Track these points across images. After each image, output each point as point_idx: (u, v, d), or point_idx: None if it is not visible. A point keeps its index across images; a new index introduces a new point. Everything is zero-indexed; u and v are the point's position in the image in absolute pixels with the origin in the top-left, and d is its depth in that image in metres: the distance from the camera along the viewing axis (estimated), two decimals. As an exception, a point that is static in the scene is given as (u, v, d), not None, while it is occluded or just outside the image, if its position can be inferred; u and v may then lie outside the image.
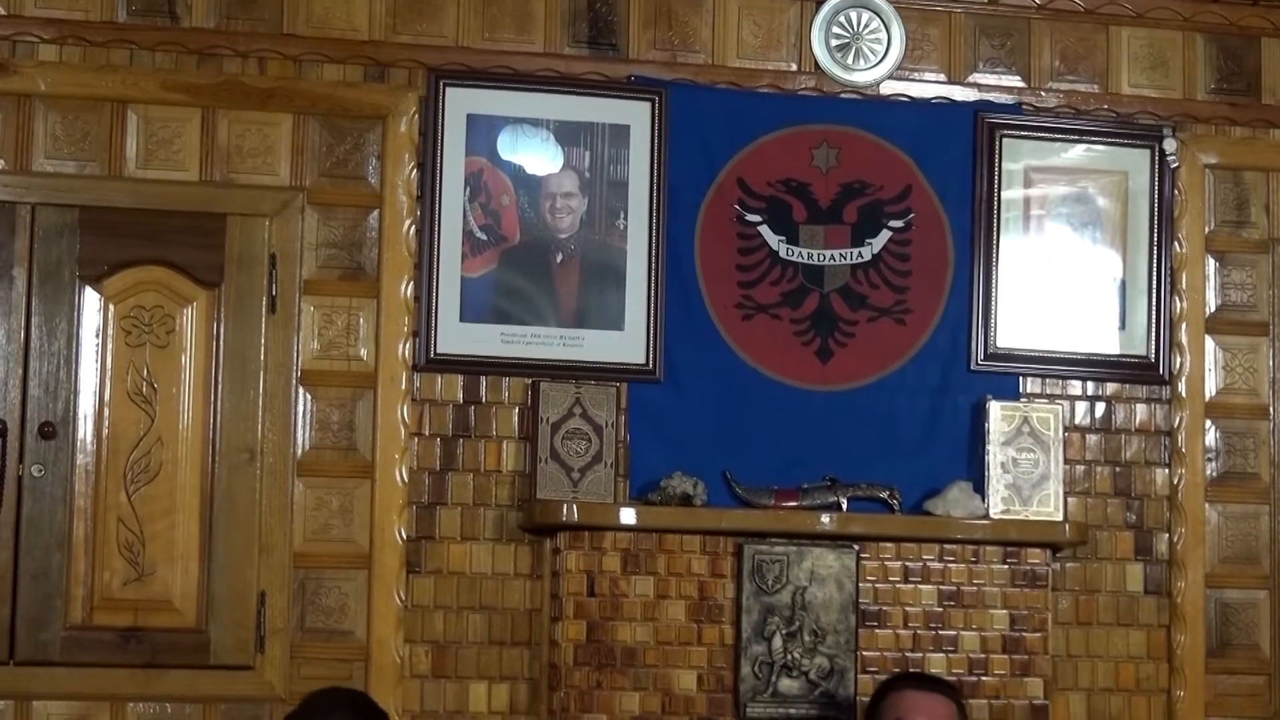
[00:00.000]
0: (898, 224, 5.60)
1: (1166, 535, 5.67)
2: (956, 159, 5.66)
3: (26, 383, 5.15)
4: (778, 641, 5.27)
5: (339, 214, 5.36)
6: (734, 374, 5.49)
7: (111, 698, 5.13)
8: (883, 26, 5.63)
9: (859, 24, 5.62)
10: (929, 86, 5.69)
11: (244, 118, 5.32)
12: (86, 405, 5.17)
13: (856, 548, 5.35)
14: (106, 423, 5.18)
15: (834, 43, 5.61)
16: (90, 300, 5.20)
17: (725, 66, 5.58)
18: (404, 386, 5.32)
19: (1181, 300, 5.73)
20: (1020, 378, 5.65)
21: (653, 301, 5.44)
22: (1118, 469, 5.67)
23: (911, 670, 5.24)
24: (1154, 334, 5.69)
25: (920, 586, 5.37)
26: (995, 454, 5.49)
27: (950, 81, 5.70)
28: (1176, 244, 5.73)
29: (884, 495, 5.45)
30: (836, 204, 5.58)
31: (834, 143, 5.59)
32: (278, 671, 5.20)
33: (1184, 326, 5.72)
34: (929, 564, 5.38)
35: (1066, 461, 5.57)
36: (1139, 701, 5.62)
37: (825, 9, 5.59)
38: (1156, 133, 5.74)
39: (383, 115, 5.38)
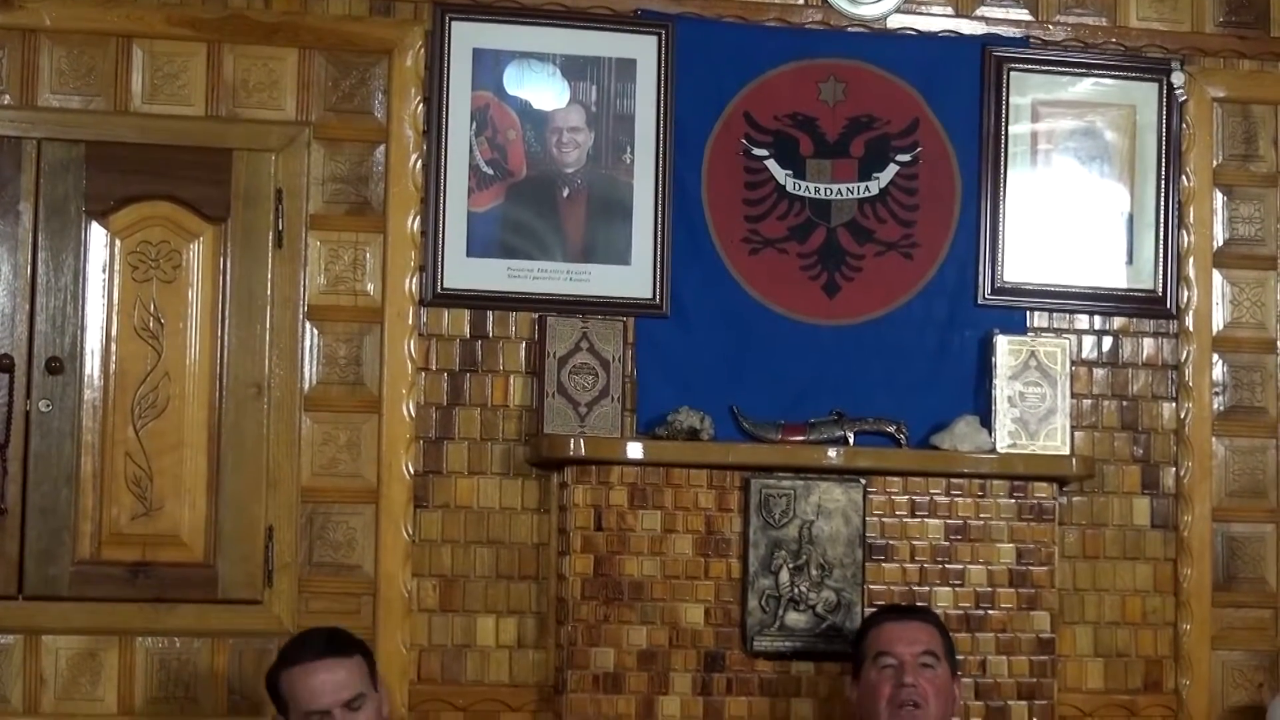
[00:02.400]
0: (905, 158, 5.50)
1: (1173, 469, 5.59)
2: (964, 93, 5.54)
3: (33, 318, 5.05)
4: (785, 575, 5.20)
5: (345, 149, 5.26)
6: (741, 308, 5.39)
7: (120, 632, 5.06)
8: (890, -41, 5.53)
9: (866, -43, 5.52)
10: (936, 20, 5.57)
11: (249, 52, 5.22)
12: (93, 340, 5.08)
13: (863, 482, 5.27)
14: (114, 358, 5.09)
15: (841, -25, 5.52)
16: (96, 235, 5.10)
17: (732, 0, 5.46)
18: (410, 321, 5.23)
19: (1189, 234, 5.63)
20: (1027, 312, 5.55)
21: (659, 236, 5.35)
22: (1125, 403, 5.59)
23: (892, 604, 5.15)
24: (1161, 268, 5.59)
25: (927, 520, 5.30)
26: (1002, 388, 5.41)
27: (958, 15, 5.58)
28: (1184, 178, 5.63)
29: (891, 429, 5.37)
30: (843, 138, 5.48)
31: (841, 77, 5.49)
32: (286, 606, 5.13)
33: (1191, 260, 5.62)
34: (936, 498, 5.31)
35: (1073, 395, 5.49)
36: (1145, 635, 5.54)
37: (832, -59, 5.50)
38: (1164, 66, 5.62)
39: (388, 50, 5.27)
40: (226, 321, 5.15)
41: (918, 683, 4.70)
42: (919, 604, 5.17)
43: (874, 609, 5.10)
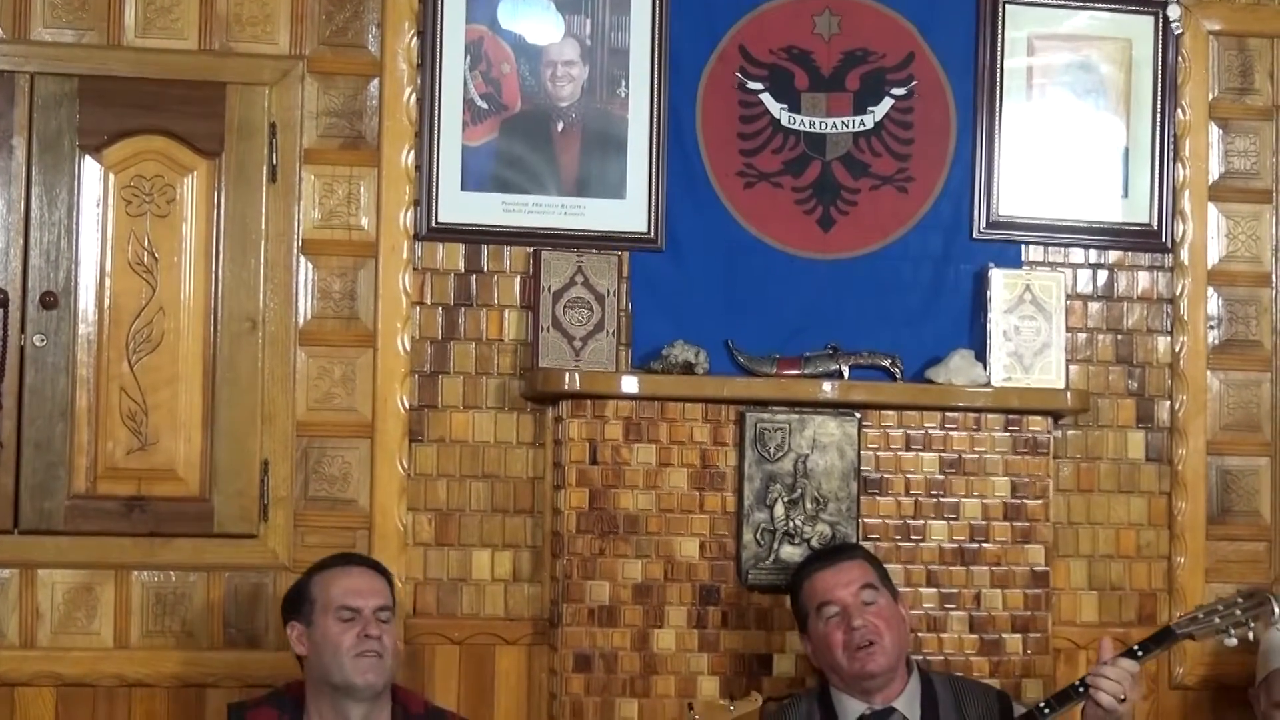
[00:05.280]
0: (900, 92, 5.39)
1: (1168, 403, 5.50)
2: (959, 27, 5.43)
3: (27, 252, 4.96)
4: (780, 509, 5.11)
5: (339, 83, 5.15)
6: (736, 242, 5.29)
7: (116, 566, 4.99)
8: (885, -109, 5.40)
9: (861, -111, 5.39)
10: (932, -47, 5.47)
11: (242, -15, 5.13)
12: (88, 275, 4.99)
13: (858, 415, 5.18)
14: (108, 292, 5.00)
15: (836, -92, 5.40)
16: (90, 170, 5.00)
17: (726, -68, 5.36)
18: (405, 255, 5.13)
19: (1184, 168, 5.53)
20: (1022, 246, 5.45)
21: (654, 170, 5.24)
22: (1119, 336, 5.50)
23: (816, 550, 5.02)
24: (1157, 201, 5.49)
25: (922, 454, 5.21)
26: (997, 322, 5.31)
27: (953, -52, 5.47)
28: (1180, 111, 5.53)
29: (886, 363, 5.28)
30: (838, 72, 5.37)
31: (836, 10, 5.37)
32: (281, 540, 5.05)
33: (1187, 194, 5.52)
34: (930, 432, 5.22)
35: (1068, 329, 5.40)
36: (1139, 568, 5.47)
37: (827, -126, 5.37)
38: (1160, -1, 5.54)
39: (382, -17, 5.18)
40: (220, 256, 5.05)
41: (866, 621, 4.60)
42: (839, 542, 5.07)
43: (795, 567, 4.95)
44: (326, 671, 4.43)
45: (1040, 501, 5.24)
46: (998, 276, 5.33)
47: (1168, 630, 4.59)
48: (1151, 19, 5.50)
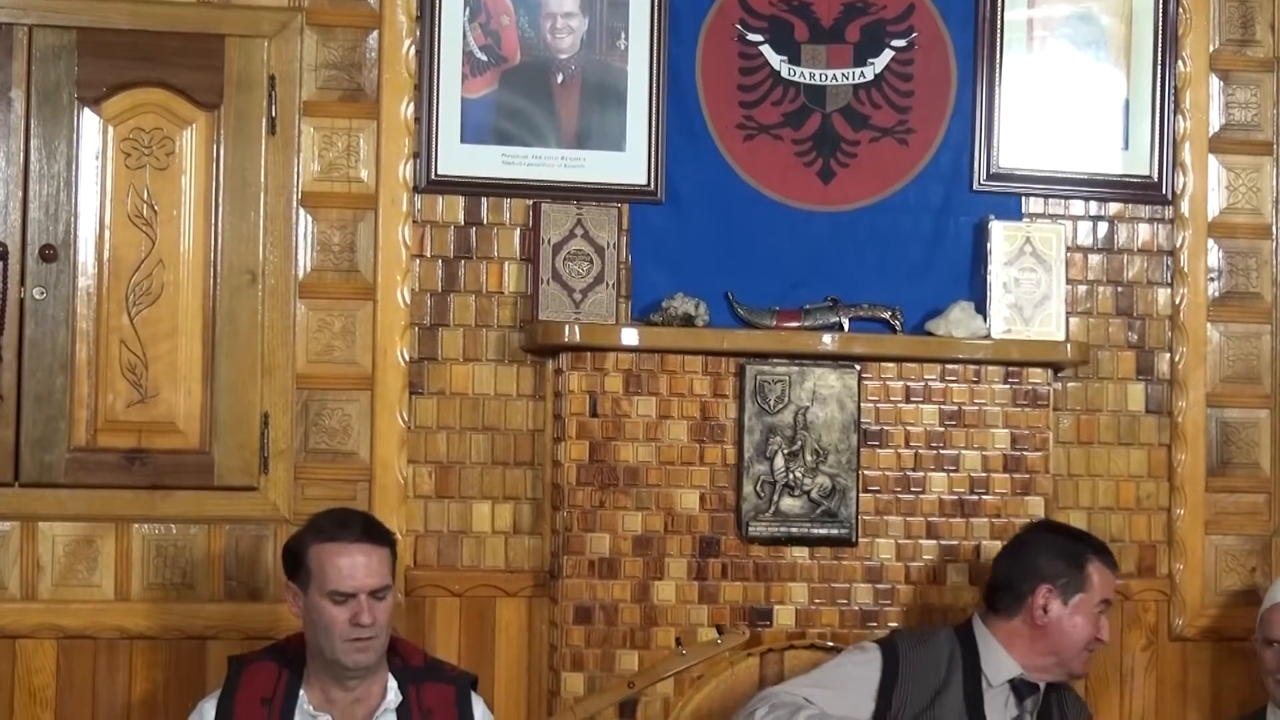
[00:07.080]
0: (900, 43, 5.33)
1: (1168, 355, 5.46)
2: (960, -22, 5.39)
3: (27, 205, 4.91)
4: (780, 461, 5.07)
5: (338, 35, 5.09)
6: (735, 195, 5.24)
7: (117, 519, 4.95)
8: None
9: None
10: (932, -96, 5.41)
11: (240, -64, 5.06)
12: (87, 228, 4.94)
13: (858, 368, 5.13)
14: (107, 245, 4.95)
15: None
16: (89, 122, 4.95)
17: (726, -117, 5.29)
18: (405, 208, 5.08)
19: (1185, 119, 5.47)
20: (1023, 198, 5.40)
21: (654, 122, 5.19)
22: (1120, 289, 5.45)
23: (1098, 539, 4.95)
24: (1157, 153, 5.44)
25: (922, 406, 5.17)
26: (997, 274, 5.26)
27: (954, -102, 5.41)
28: (1180, 63, 5.47)
29: (886, 315, 5.23)
30: (839, 23, 5.31)
31: (836, -39, 5.34)
32: (281, 492, 5.01)
33: (1187, 146, 5.47)
34: (930, 384, 5.18)
35: (1068, 281, 5.35)
36: (1139, 520, 5.44)
37: None
38: (1161, -50, 5.47)
39: (381, -66, 5.12)
40: (220, 209, 5.00)
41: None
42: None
43: (1071, 540, 4.86)
44: (318, 645, 4.34)
45: (1040, 453, 5.21)
46: (998, 228, 5.28)
47: None
48: (1152, -29, 5.46)
